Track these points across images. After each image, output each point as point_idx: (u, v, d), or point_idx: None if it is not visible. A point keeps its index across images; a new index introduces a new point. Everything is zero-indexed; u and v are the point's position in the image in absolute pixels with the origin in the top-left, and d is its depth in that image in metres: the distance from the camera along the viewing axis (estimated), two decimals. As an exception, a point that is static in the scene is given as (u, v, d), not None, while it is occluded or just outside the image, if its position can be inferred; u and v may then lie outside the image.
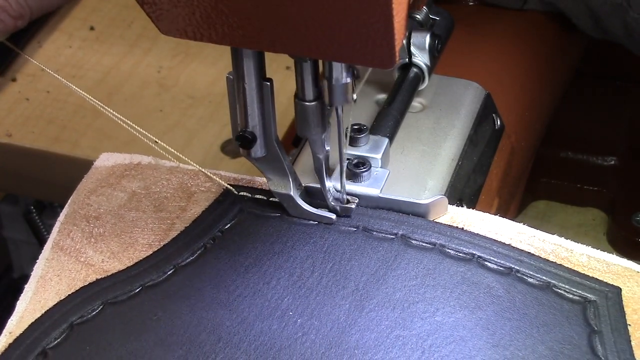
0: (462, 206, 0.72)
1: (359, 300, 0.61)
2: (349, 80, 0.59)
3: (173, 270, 0.63)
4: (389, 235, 0.66)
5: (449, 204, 0.69)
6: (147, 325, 0.60)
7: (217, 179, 0.71)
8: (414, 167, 0.74)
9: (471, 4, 0.99)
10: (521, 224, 0.67)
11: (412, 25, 0.78)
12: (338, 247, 0.65)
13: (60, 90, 1.19)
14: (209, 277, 0.63)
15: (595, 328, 0.60)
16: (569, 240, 0.67)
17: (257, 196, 0.69)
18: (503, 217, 0.68)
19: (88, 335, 0.60)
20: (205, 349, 0.58)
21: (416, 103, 0.79)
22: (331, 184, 0.67)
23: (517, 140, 0.91)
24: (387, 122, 0.73)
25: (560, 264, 0.65)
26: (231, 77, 0.60)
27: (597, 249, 0.66)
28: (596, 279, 0.64)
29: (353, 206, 0.67)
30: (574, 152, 1.27)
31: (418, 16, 0.78)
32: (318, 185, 0.67)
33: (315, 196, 0.68)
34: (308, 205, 0.67)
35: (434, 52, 0.78)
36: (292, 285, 0.62)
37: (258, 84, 0.60)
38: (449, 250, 0.65)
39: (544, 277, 0.63)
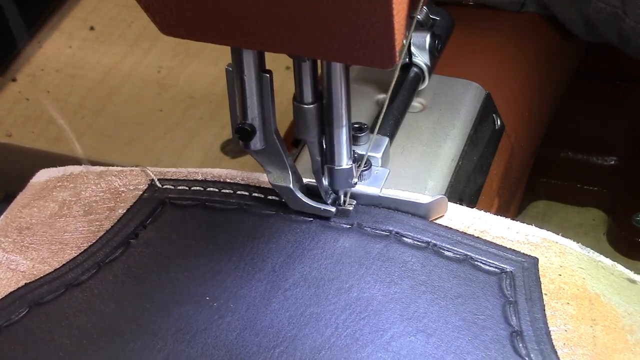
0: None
1: (275, 280, 0.62)
2: (350, 164, 0.63)
3: (97, 268, 0.65)
4: (307, 218, 0.67)
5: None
6: (71, 322, 0.61)
7: (150, 173, 0.71)
8: (414, 167, 0.74)
9: (471, 3, 0.99)
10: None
11: (412, 25, 0.78)
12: (256, 230, 0.66)
13: (60, 90, 1.19)
14: (131, 271, 0.64)
15: (510, 298, 0.61)
16: (487, 213, 0.68)
17: (180, 187, 0.70)
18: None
19: (15, 336, 0.61)
20: (125, 337, 0.59)
21: (416, 103, 0.79)
22: (328, 186, 0.67)
23: (517, 140, 0.91)
24: (387, 122, 0.73)
25: (477, 237, 0.66)
26: (230, 69, 0.60)
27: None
28: (513, 250, 0.65)
29: (350, 208, 0.67)
30: (574, 152, 1.27)
31: (418, 16, 0.78)
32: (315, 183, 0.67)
33: (315, 194, 0.68)
34: (307, 198, 0.67)
35: (434, 52, 0.78)
36: (210, 270, 0.63)
37: (257, 76, 0.60)
38: (366, 229, 0.66)
39: (461, 250, 0.64)
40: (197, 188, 0.70)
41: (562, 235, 0.67)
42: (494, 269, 0.63)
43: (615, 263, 0.65)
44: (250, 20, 0.52)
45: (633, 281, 0.64)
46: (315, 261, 0.64)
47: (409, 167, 0.73)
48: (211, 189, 0.70)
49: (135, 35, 1.26)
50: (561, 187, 1.27)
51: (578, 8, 0.94)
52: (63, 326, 0.60)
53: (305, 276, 0.63)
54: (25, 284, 0.64)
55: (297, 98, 0.61)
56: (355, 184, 0.64)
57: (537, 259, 0.64)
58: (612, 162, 1.26)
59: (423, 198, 0.67)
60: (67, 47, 1.25)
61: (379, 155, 0.70)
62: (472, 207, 0.70)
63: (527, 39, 0.97)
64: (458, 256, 0.64)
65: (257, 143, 0.62)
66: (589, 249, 0.66)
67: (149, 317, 0.60)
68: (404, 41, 0.52)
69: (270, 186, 0.68)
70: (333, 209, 0.66)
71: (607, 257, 0.66)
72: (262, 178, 0.70)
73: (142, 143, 1.11)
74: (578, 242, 0.66)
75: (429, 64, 0.78)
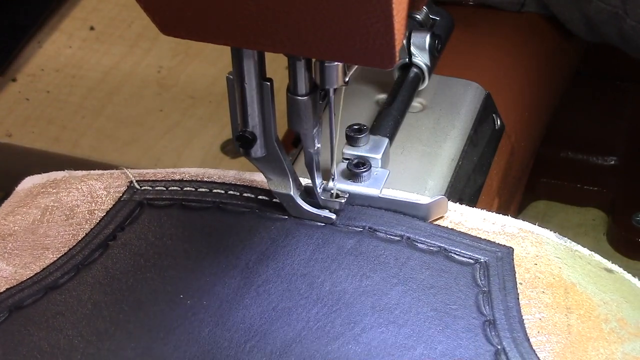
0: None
1: (248, 277, 0.63)
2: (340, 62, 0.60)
3: (76, 271, 0.65)
4: (282, 215, 0.68)
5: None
6: (49, 324, 0.62)
7: (129, 174, 0.72)
8: (414, 167, 0.73)
9: (471, 3, 0.99)
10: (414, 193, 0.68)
11: (412, 25, 0.78)
12: (231, 228, 0.67)
13: (60, 90, 1.19)
14: (109, 272, 0.65)
15: (484, 288, 0.62)
16: (463, 205, 0.68)
17: (158, 188, 0.71)
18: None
19: None
20: (101, 337, 0.60)
21: (416, 103, 0.79)
22: (321, 179, 0.67)
23: (517, 140, 0.91)
24: (387, 122, 0.73)
25: (452, 229, 0.66)
26: (231, 77, 0.60)
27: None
28: (488, 240, 0.65)
29: (343, 201, 0.67)
30: (574, 152, 1.27)
31: (418, 16, 0.78)
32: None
33: (315, 195, 0.68)
34: (308, 205, 0.67)
35: (434, 52, 0.78)
36: (185, 269, 0.64)
37: (258, 84, 0.60)
38: (340, 225, 0.67)
39: (435, 242, 0.65)
40: (174, 188, 0.71)
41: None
42: (467, 260, 0.64)
43: (593, 253, 0.66)
44: (250, 20, 0.52)
45: (610, 271, 0.65)
46: (288, 257, 0.64)
47: (409, 167, 0.73)
48: (188, 188, 0.71)
49: (135, 35, 1.26)
50: (561, 187, 1.27)
51: (578, 8, 0.94)
52: (41, 328, 0.61)
53: (278, 272, 0.63)
54: (7, 289, 0.65)
55: (291, 89, 0.60)
56: (347, 82, 0.61)
57: (512, 249, 0.65)
58: (612, 162, 1.26)
59: (423, 198, 0.67)
60: (67, 47, 1.25)
61: (378, 156, 0.70)
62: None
63: (527, 39, 0.97)
64: (432, 248, 0.65)
65: (257, 151, 0.63)
66: (566, 238, 0.66)
67: (124, 316, 0.61)
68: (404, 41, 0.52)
69: (244, 183, 0.69)
70: (334, 216, 0.67)
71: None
72: (239, 176, 0.71)
73: (142, 143, 1.11)
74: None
75: (429, 64, 0.78)
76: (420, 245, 0.65)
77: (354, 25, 0.50)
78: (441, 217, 0.68)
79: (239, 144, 0.62)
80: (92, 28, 1.28)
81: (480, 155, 0.81)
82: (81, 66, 1.22)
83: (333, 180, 0.67)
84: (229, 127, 0.63)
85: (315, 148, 0.64)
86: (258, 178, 0.71)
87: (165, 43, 1.23)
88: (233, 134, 0.63)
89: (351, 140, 0.71)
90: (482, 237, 0.66)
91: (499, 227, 0.67)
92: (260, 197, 0.69)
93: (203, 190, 0.70)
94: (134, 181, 0.71)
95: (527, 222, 0.67)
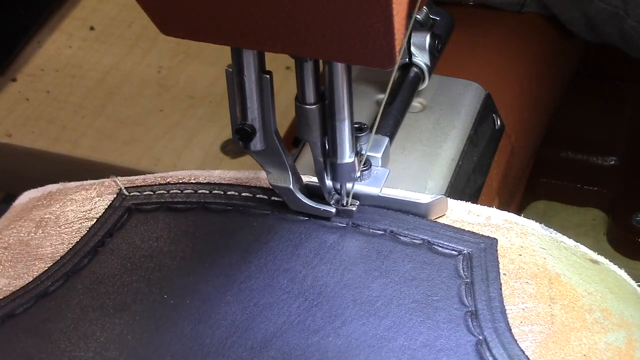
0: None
1: (231, 274, 0.64)
2: (352, 159, 0.63)
3: (66, 278, 0.66)
4: (265, 211, 0.68)
5: (449, 203, 0.69)
6: (39, 330, 0.63)
7: (118, 182, 0.73)
8: (414, 167, 0.73)
9: (471, 3, 0.99)
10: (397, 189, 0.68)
11: (412, 25, 0.78)
12: (215, 226, 0.68)
13: (60, 90, 1.19)
14: (97, 277, 0.66)
15: (467, 279, 0.62)
16: (448, 198, 0.68)
17: (146, 193, 0.72)
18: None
19: None
20: (87, 340, 0.61)
21: (416, 103, 0.79)
22: (332, 186, 0.67)
23: (517, 140, 0.91)
24: (387, 122, 0.73)
25: (435, 221, 0.66)
26: (230, 70, 0.60)
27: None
28: (471, 232, 0.65)
29: (354, 209, 0.67)
30: (574, 152, 1.27)
31: (418, 16, 0.78)
32: (316, 183, 0.67)
33: (314, 194, 0.68)
34: (307, 199, 0.67)
35: (434, 52, 0.78)
36: (169, 269, 0.65)
37: (258, 76, 0.60)
38: (323, 220, 0.67)
39: (418, 235, 0.65)
40: (161, 191, 0.72)
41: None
42: (450, 252, 0.64)
43: (578, 244, 0.66)
44: (250, 20, 0.52)
45: (595, 262, 0.65)
46: (270, 253, 0.65)
47: (409, 167, 0.73)
48: (174, 191, 0.71)
49: (135, 35, 1.26)
50: (561, 187, 1.27)
51: (579, 8, 0.94)
52: (30, 335, 0.62)
53: (260, 268, 0.64)
54: (0, 299, 0.66)
55: (299, 98, 0.61)
56: (358, 177, 0.64)
57: (496, 240, 0.65)
58: (612, 162, 1.26)
59: (423, 198, 0.67)
60: (67, 47, 1.25)
61: (379, 155, 0.70)
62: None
63: (527, 39, 0.97)
64: (415, 241, 0.65)
65: (257, 144, 0.62)
66: (551, 229, 0.66)
67: (109, 319, 0.62)
68: (404, 41, 0.52)
69: (228, 181, 0.70)
70: (333, 210, 0.66)
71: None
72: (223, 175, 0.72)
73: (142, 143, 1.11)
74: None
75: (429, 64, 0.78)
76: (403, 239, 0.65)
77: (354, 25, 0.50)
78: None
79: (238, 137, 0.62)
80: (92, 28, 1.28)
81: (480, 155, 0.81)
82: (81, 66, 1.22)
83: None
84: (229, 127, 0.63)
85: (325, 156, 0.64)
86: (242, 176, 0.71)
87: (165, 43, 1.23)
88: (232, 128, 0.63)
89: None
90: (467, 229, 0.66)
91: (483, 219, 0.67)
92: (244, 194, 0.70)
93: (188, 191, 0.71)
94: (123, 188, 0.72)
95: (512, 214, 0.67)
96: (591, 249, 0.66)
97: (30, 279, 0.67)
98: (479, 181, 0.81)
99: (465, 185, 0.77)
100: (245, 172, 0.72)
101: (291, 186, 0.66)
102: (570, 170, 1.26)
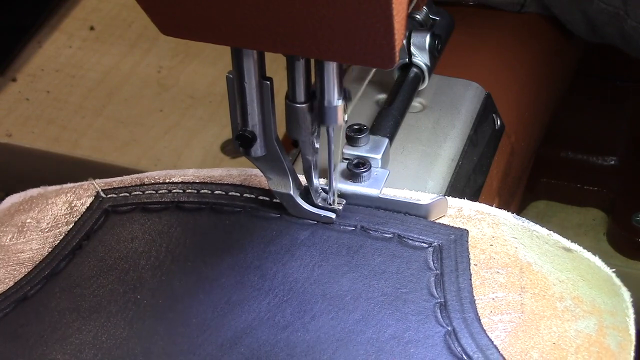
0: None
1: (203, 272, 0.65)
2: (340, 102, 0.60)
3: (44, 282, 0.67)
4: (236, 209, 0.69)
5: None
6: (18, 334, 0.63)
7: (95, 185, 0.73)
8: (414, 168, 0.73)
9: (471, 3, 0.99)
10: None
11: (412, 25, 0.78)
12: (188, 225, 0.68)
13: (60, 90, 1.19)
14: (74, 280, 0.66)
15: (436, 271, 0.63)
16: (419, 192, 0.68)
17: (122, 194, 0.72)
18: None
19: None
20: (63, 343, 0.62)
21: (416, 103, 0.79)
22: (319, 185, 0.67)
23: (517, 140, 0.91)
24: (387, 122, 0.73)
25: (406, 214, 0.67)
26: (231, 76, 0.60)
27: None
28: (442, 224, 0.66)
29: (340, 207, 0.67)
30: (574, 152, 1.27)
31: (418, 16, 0.78)
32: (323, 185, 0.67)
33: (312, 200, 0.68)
34: (308, 205, 0.67)
35: (434, 52, 0.78)
36: (143, 269, 0.66)
37: (258, 83, 0.60)
38: (294, 218, 0.67)
39: (389, 229, 0.66)
40: (137, 192, 0.72)
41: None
42: (421, 244, 0.65)
43: (551, 232, 0.66)
44: (250, 21, 0.52)
45: (568, 250, 0.65)
46: (242, 250, 0.65)
47: (409, 167, 0.73)
48: (149, 191, 0.72)
49: (135, 35, 1.26)
50: (561, 187, 1.27)
51: (579, 8, 0.94)
52: (8, 339, 0.63)
53: (232, 265, 0.65)
54: None
55: (290, 97, 0.61)
56: (346, 121, 0.62)
57: (467, 231, 0.65)
58: (612, 162, 1.26)
59: (423, 198, 0.67)
60: (67, 47, 1.25)
61: (378, 156, 0.70)
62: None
63: (527, 39, 0.97)
64: (386, 235, 0.66)
65: (257, 150, 0.63)
66: (524, 219, 0.66)
67: (84, 321, 0.63)
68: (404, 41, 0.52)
69: (203, 180, 0.70)
70: (334, 215, 0.67)
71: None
72: (197, 173, 0.72)
73: (142, 143, 1.12)
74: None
75: (429, 64, 0.78)
76: (373, 233, 0.66)
77: (354, 25, 0.50)
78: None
79: (239, 144, 0.62)
80: (92, 28, 1.28)
81: (480, 155, 0.81)
82: (81, 66, 1.22)
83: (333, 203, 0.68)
84: (228, 127, 0.63)
85: (314, 155, 0.64)
86: (216, 174, 0.72)
87: (165, 43, 1.23)
88: (233, 134, 0.63)
89: (351, 141, 0.71)
90: (438, 222, 0.66)
91: (454, 210, 0.67)
92: (216, 192, 0.70)
93: (163, 191, 0.72)
94: (100, 191, 0.73)
95: (483, 204, 0.67)
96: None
97: (12, 283, 0.67)
98: (479, 181, 0.81)
99: (465, 185, 0.77)
100: (218, 170, 0.72)
101: (291, 192, 0.66)
102: (570, 170, 1.26)
